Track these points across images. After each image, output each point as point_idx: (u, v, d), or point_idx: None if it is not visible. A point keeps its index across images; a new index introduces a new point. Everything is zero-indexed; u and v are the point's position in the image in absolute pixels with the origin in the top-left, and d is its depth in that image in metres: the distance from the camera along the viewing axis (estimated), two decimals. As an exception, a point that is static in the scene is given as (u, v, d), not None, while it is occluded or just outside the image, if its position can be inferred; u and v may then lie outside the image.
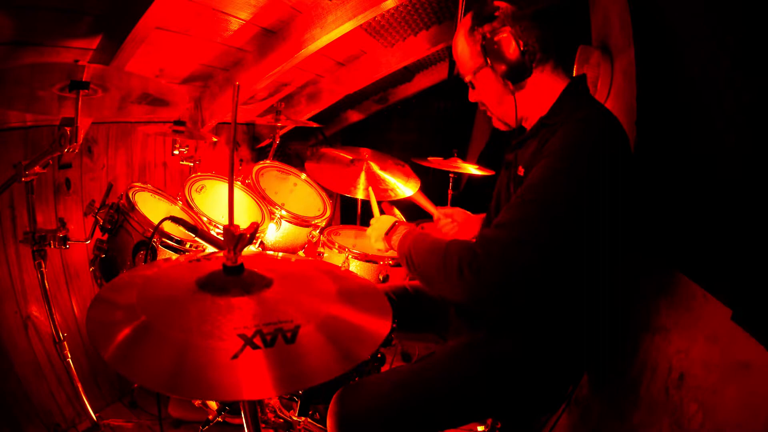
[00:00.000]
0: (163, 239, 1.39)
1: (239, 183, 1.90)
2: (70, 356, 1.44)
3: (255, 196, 1.88)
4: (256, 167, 2.03)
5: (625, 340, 1.18)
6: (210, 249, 1.30)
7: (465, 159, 2.48)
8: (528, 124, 1.11)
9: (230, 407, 1.27)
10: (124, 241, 1.39)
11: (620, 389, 1.15)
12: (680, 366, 0.93)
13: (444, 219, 1.48)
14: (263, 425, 1.24)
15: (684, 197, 1.03)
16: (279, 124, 2.30)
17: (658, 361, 1.02)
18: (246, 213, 1.86)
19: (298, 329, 0.63)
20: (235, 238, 0.71)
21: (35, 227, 1.38)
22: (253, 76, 2.16)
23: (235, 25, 1.85)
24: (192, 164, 2.05)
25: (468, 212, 1.47)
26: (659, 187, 1.15)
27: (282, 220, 1.86)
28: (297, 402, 1.09)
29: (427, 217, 2.11)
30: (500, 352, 1.04)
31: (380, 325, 0.70)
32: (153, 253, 1.36)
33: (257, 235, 1.48)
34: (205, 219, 1.64)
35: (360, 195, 1.79)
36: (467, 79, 1.10)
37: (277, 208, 1.85)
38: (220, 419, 1.28)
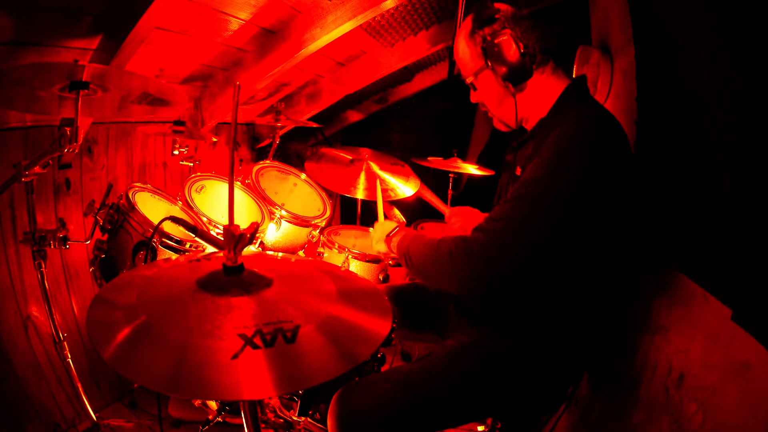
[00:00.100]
0: (163, 239, 1.38)
1: (239, 183, 1.90)
2: (70, 356, 1.44)
3: (255, 196, 1.88)
4: (256, 167, 2.03)
5: (625, 340, 1.18)
6: (210, 249, 1.30)
7: (465, 159, 2.47)
8: (528, 125, 1.11)
9: (230, 407, 1.28)
10: (124, 241, 1.39)
11: (620, 389, 1.15)
12: (680, 366, 0.93)
13: (455, 218, 1.51)
14: (263, 425, 1.24)
15: (684, 197, 1.03)
16: (279, 124, 2.29)
17: (658, 361, 1.02)
18: (246, 213, 1.86)
19: (298, 329, 0.63)
20: (235, 238, 0.71)
21: (35, 227, 1.38)
22: (253, 76, 2.16)
23: (235, 25, 1.85)
24: (192, 164, 2.05)
25: (479, 211, 1.49)
26: (659, 187, 1.15)
27: (282, 220, 1.86)
28: (297, 402, 1.09)
29: (427, 217, 2.12)
30: (500, 351, 1.04)
31: (380, 325, 0.70)
32: (153, 253, 1.36)
33: (257, 235, 1.47)
34: (205, 219, 1.64)
35: (360, 195, 1.79)
36: (468, 80, 1.11)
37: (277, 208, 1.85)
38: (220, 419, 1.28)
